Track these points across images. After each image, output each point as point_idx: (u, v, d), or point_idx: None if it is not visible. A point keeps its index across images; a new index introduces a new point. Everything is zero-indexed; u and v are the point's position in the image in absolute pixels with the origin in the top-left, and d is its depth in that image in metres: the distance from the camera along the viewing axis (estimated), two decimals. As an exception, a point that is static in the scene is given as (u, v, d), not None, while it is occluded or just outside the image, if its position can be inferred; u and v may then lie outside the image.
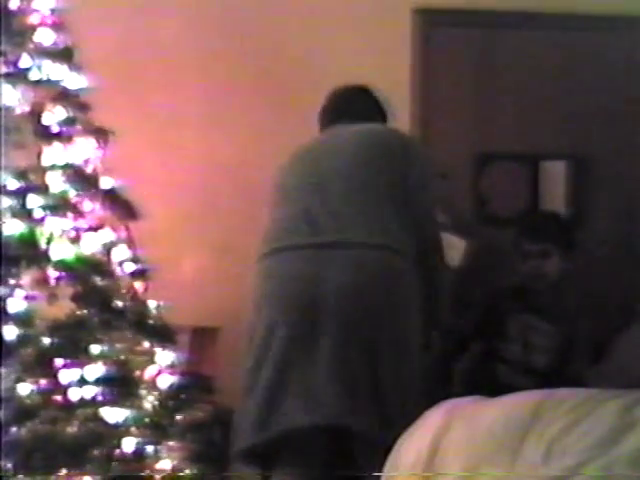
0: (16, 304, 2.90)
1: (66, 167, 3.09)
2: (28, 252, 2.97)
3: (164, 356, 3.12)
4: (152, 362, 3.11)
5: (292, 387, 2.83)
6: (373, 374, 2.80)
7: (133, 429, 2.97)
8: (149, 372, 3.10)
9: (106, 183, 3.18)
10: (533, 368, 3.46)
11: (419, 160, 3.09)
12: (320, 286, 2.83)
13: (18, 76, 3.07)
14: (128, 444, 2.96)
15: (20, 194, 3.00)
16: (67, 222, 3.05)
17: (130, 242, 3.19)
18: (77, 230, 3.08)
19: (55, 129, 3.11)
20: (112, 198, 3.17)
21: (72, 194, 3.10)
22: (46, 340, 2.93)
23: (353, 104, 3.25)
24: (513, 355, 3.48)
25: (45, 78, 3.11)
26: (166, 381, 3.10)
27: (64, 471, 2.84)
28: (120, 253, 3.17)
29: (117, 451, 2.95)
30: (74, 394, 2.92)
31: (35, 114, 3.09)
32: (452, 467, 1.76)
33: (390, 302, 2.85)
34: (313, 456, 2.89)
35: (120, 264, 3.17)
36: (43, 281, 2.98)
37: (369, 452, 2.74)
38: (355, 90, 3.30)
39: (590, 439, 1.53)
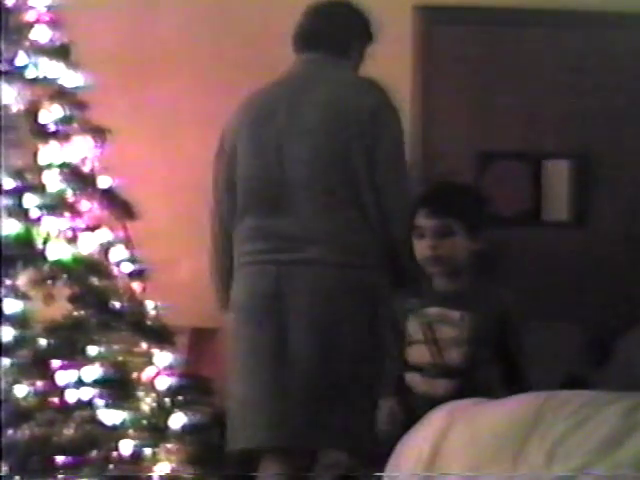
0: (12, 305, 2.89)
1: (63, 166, 3.09)
2: (24, 252, 2.97)
3: (162, 357, 3.11)
4: (150, 363, 3.10)
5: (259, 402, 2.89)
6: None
7: (131, 431, 2.96)
8: (147, 373, 3.09)
9: (103, 182, 3.17)
10: (448, 368, 2.72)
11: (389, 135, 2.95)
12: (282, 302, 2.87)
13: (14, 74, 3.06)
14: (126, 446, 2.95)
15: (16, 193, 2.99)
16: (64, 222, 3.05)
17: (128, 242, 3.18)
18: (74, 230, 3.07)
19: (52, 128, 3.10)
20: (109, 197, 3.16)
21: (69, 193, 3.09)
22: (43, 341, 2.92)
23: (330, 28, 3.06)
24: (421, 358, 2.76)
25: (41, 76, 3.11)
26: (164, 383, 3.09)
27: (61, 474, 2.83)
28: (117, 253, 3.16)
29: (114, 453, 2.94)
30: (71, 396, 2.91)
31: (31, 112, 3.08)
32: (454, 468, 1.76)
33: (340, 319, 2.88)
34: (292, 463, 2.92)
35: (117, 264, 3.15)
36: (40, 281, 2.97)
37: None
38: (334, 9, 3.11)
39: (593, 441, 1.52)
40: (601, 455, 1.48)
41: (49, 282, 2.98)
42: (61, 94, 3.13)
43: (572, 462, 1.50)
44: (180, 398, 3.10)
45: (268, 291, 2.90)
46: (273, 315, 2.86)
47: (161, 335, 3.13)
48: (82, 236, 3.08)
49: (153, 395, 3.06)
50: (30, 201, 2.99)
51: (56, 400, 2.90)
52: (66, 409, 2.90)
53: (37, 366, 2.89)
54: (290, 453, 2.89)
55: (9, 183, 2.98)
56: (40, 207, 2.99)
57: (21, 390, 2.85)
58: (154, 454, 3.00)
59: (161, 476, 3.00)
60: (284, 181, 2.93)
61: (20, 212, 2.97)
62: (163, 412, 3.05)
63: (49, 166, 3.07)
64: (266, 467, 2.92)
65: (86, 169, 3.15)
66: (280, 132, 2.94)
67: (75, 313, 3.00)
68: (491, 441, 1.64)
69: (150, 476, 2.99)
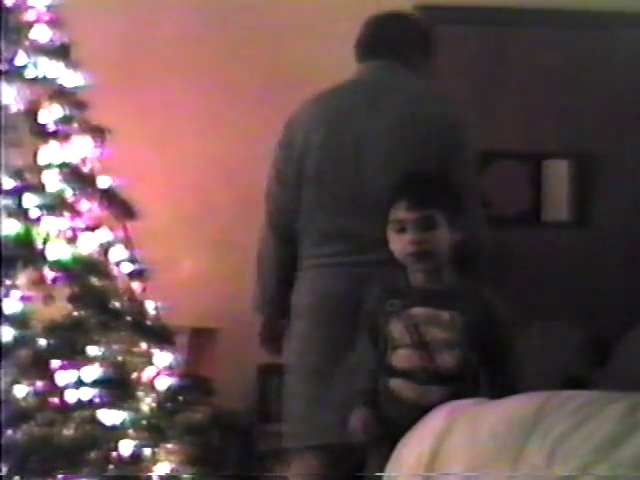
0: (12, 305, 2.88)
1: (63, 166, 3.08)
2: (24, 252, 2.95)
3: (162, 357, 3.10)
4: (150, 364, 3.09)
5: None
6: None
7: (130, 431, 2.95)
8: (147, 374, 3.08)
9: (103, 182, 3.16)
10: (441, 373, 2.47)
11: (467, 146, 2.96)
12: (357, 303, 2.75)
13: (14, 74, 3.05)
14: (125, 447, 2.94)
15: (16, 193, 2.98)
16: (64, 222, 3.04)
17: (127, 242, 3.17)
18: (74, 230, 3.06)
19: (51, 127, 3.09)
20: (109, 197, 3.15)
21: (69, 193, 3.08)
22: (42, 341, 2.91)
23: (397, 37, 3.06)
24: (409, 363, 2.49)
25: (41, 76, 3.09)
26: (164, 383, 3.08)
27: (61, 474, 2.81)
28: (117, 253, 3.15)
29: (114, 454, 2.93)
30: (71, 396, 2.90)
31: (31, 112, 3.08)
32: (454, 469, 1.75)
33: None
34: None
35: (117, 264, 3.14)
36: (39, 281, 2.96)
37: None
38: (400, 20, 3.12)
39: (594, 441, 1.50)
40: (602, 455, 1.47)
41: (49, 282, 2.97)
42: (61, 94, 3.12)
43: (573, 462, 1.48)
44: (180, 398, 3.09)
45: (344, 292, 2.85)
46: (348, 316, 2.79)
47: (161, 335, 3.12)
48: (82, 236, 3.07)
49: (153, 395, 3.05)
50: (30, 201, 2.98)
51: (56, 400, 2.89)
52: (66, 409, 2.89)
53: (37, 366, 2.88)
54: (345, 451, 2.83)
55: (9, 183, 2.97)
56: (40, 207, 2.98)
57: (21, 390, 2.84)
58: (154, 454, 2.98)
59: (161, 476, 2.99)
60: (362, 182, 2.92)
61: (20, 212, 2.96)
62: (163, 412, 3.04)
63: (49, 166, 3.06)
64: (306, 466, 2.88)
65: (86, 169, 3.14)
66: (359, 134, 2.92)
67: (75, 313, 2.99)
68: (491, 441, 1.64)
69: (150, 476, 2.98)
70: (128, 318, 3.07)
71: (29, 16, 3.12)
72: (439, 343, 2.49)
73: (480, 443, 1.65)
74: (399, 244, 2.54)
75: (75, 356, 2.92)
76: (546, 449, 1.54)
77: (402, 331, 2.52)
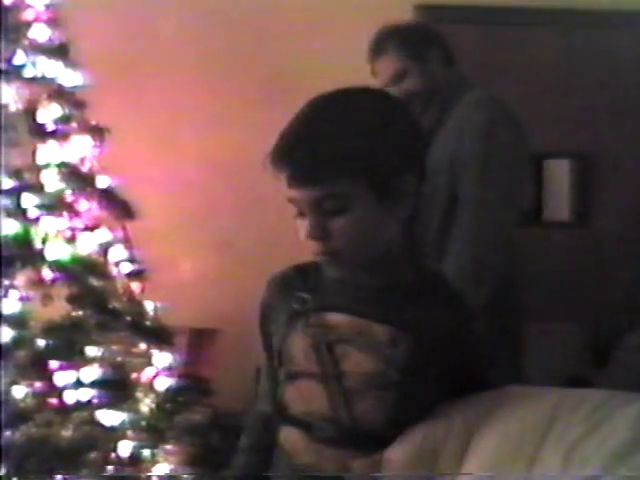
0: (11, 305, 2.88)
1: (61, 165, 3.07)
2: (23, 252, 2.95)
3: (161, 358, 3.09)
4: (149, 364, 3.08)
5: None
6: None
7: (129, 432, 2.95)
8: (146, 374, 3.07)
9: (102, 182, 3.16)
10: (359, 431, 1.54)
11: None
12: None
13: (12, 73, 3.04)
14: (124, 448, 2.94)
15: (15, 193, 2.98)
16: (62, 222, 3.03)
17: (127, 242, 3.16)
18: (73, 230, 3.06)
19: (50, 127, 3.08)
20: (108, 197, 3.14)
21: (68, 193, 3.08)
22: (41, 342, 2.91)
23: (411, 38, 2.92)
24: (308, 406, 1.59)
25: (40, 75, 3.09)
26: (163, 383, 3.08)
27: (59, 475, 2.80)
28: (117, 253, 3.14)
29: (113, 455, 2.93)
30: (69, 397, 2.90)
31: (30, 112, 3.07)
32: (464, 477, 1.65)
33: None
34: None
35: (117, 264, 3.14)
36: (38, 282, 2.96)
37: None
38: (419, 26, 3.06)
39: (610, 446, 1.46)
40: (619, 460, 1.42)
41: (47, 282, 2.96)
42: (60, 93, 3.11)
43: (589, 467, 1.44)
44: (179, 399, 3.08)
45: None
46: None
47: (160, 336, 3.11)
48: (81, 236, 3.07)
49: (152, 396, 3.04)
50: (28, 201, 2.98)
51: (54, 401, 2.89)
52: (65, 410, 2.89)
53: (35, 367, 2.88)
54: None
55: (7, 183, 2.97)
56: (39, 207, 2.98)
57: (19, 391, 2.84)
58: (153, 455, 2.98)
59: (160, 477, 2.98)
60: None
61: (18, 212, 2.96)
62: (162, 413, 3.04)
63: (47, 165, 3.06)
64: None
65: (85, 168, 3.14)
66: None
67: (74, 313, 2.98)
68: (504, 446, 1.56)
69: (149, 477, 2.97)
70: (127, 318, 3.06)
71: (28, 15, 3.11)
72: (363, 379, 1.55)
73: (492, 449, 1.58)
74: (301, 233, 1.57)
75: (74, 357, 2.92)
76: (561, 453, 1.49)
77: (307, 349, 1.59)
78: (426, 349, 1.55)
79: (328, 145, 1.51)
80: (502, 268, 2.80)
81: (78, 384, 2.89)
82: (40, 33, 3.10)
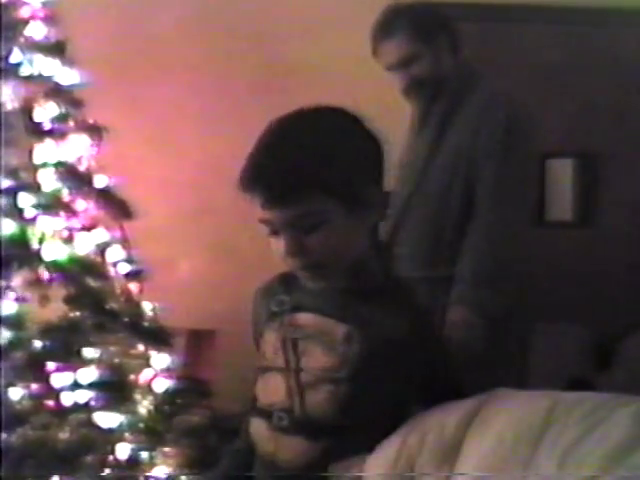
0: (7, 306, 2.87)
1: (58, 165, 3.06)
2: (19, 252, 2.94)
3: (159, 359, 3.08)
4: (147, 366, 3.08)
5: None
6: None
7: (127, 435, 2.94)
8: (144, 376, 3.06)
9: (100, 181, 3.14)
10: (310, 422, 1.65)
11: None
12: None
13: (9, 71, 3.03)
14: (122, 450, 2.93)
15: (11, 193, 2.97)
16: (60, 221, 3.02)
17: (124, 242, 3.15)
18: (70, 230, 3.05)
19: (47, 126, 3.07)
20: (106, 197, 3.13)
21: (65, 193, 3.07)
22: (38, 343, 2.90)
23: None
24: (271, 398, 1.70)
25: (37, 73, 3.08)
26: (161, 385, 3.06)
27: (56, 478, 2.80)
28: (114, 253, 3.13)
29: (111, 457, 2.92)
30: (67, 399, 2.89)
31: (26, 110, 3.06)
32: (459, 477, 1.63)
33: None
34: None
35: (114, 265, 3.13)
36: (35, 282, 2.95)
37: None
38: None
39: (606, 448, 1.45)
40: (615, 462, 1.42)
41: (44, 283, 2.95)
42: (56, 91, 3.10)
43: (585, 469, 1.43)
44: (178, 401, 3.07)
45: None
46: None
47: (158, 337, 3.10)
48: (78, 236, 3.06)
49: (150, 398, 3.03)
50: (25, 200, 2.97)
51: (51, 403, 2.88)
52: (62, 412, 2.88)
53: (32, 368, 2.87)
54: None
55: (4, 182, 2.96)
56: (35, 206, 2.97)
57: (16, 393, 2.83)
58: (151, 458, 2.97)
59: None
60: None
61: (15, 212, 2.95)
62: (160, 415, 3.03)
63: (44, 165, 3.05)
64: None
65: (82, 168, 3.13)
66: None
67: (71, 314, 2.97)
68: (498, 449, 1.56)
69: (147, 478, 2.96)
70: (125, 319, 3.05)
71: (24, 13, 3.10)
72: (318, 373, 1.65)
73: (487, 451, 1.57)
74: (276, 250, 1.69)
75: (71, 358, 2.91)
76: (557, 456, 1.49)
77: (276, 345, 1.71)
78: (377, 348, 1.64)
79: (296, 166, 1.60)
80: (519, 266, 2.80)
81: (75, 386, 2.88)
82: (37, 31, 3.09)
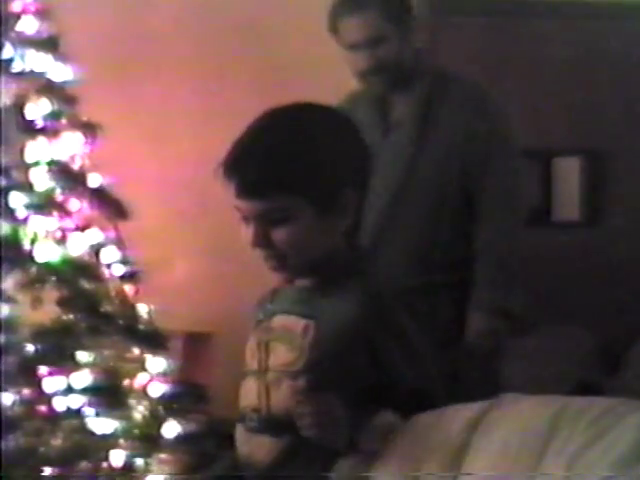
0: (-2, 309, 2.88)
1: (51, 163, 3.03)
2: (11, 253, 2.92)
3: (155, 363, 3.04)
4: (142, 370, 3.04)
5: None
6: None
7: (122, 441, 2.91)
8: (139, 380, 3.03)
9: (94, 180, 3.11)
10: (273, 419, 1.75)
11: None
12: None
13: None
14: (117, 457, 2.90)
15: (2, 192, 2.95)
16: (52, 222, 2.99)
17: (119, 243, 3.12)
18: (63, 230, 3.02)
19: (39, 123, 3.03)
20: (100, 196, 3.10)
21: (58, 192, 3.04)
22: (30, 347, 2.88)
23: None
24: (246, 400, 1.84)
25: (29, 69, 3.05)
26: (157, 390, 3.02)
27: (49, 483, 2.81)
28: (109, 254, 3.09)
29: (105, 464, 2.89)
30: (59, 404, 2.86)
31: (18, 107, 3.03)
32: (466, 478, 1.65)
33: None
34: None
35: (109, 266, 3.09)
36: (27, 284, 2.92)
37: None
38: None
39: (614, 455, 1.45)
40: (623, 469, 1.41)
41: (37, 285, 2.93)
42: (49, 88, 3.07)
43: (593, 477, 1.43)
44: (174, 406, 3.03)
45: None
46: None
47: (154, 340, 3.06)
48: (71, 237, 3.02)
49: (146, 403, 3.00)
50: (17, 200, 2.94)
51: (44, 408, 2.86)
52: (54, 418, 2.86)
53: (24, 373, 2.85)
54: None
55: (-5, 181, 2.97)
56: (27, 206, 2.95)
57: (7, 398, 2.80)
58: (146, 464, 2.93)
59: (154, 486, 2.96)
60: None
61: (6, 211, 2.93)
62: (156, 421, 2.99)
63: (37, 163, 3.02)
64: None
65: (76, 166, 3.09)
66: None
67: (64, 317, 2.95)
68: (505, 455, 1.56)
69: (144, 483, 2.96)
70: (120, 322, 3.02)
71: (16, 7, 3.06)
72: (280, 371, 1.74)
73: (493, 457, 1.58)
74: (245, 239, 1.79)
75: (64, 362, 2.89)
76: (564, 463, 1.48)
77: (253, 350, 1.81)
78: (330, 336, 1.70)
79: (273, 161, 1.69)
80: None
81: (68, 391, 2.85)
82: (28, 25, 3.05)
